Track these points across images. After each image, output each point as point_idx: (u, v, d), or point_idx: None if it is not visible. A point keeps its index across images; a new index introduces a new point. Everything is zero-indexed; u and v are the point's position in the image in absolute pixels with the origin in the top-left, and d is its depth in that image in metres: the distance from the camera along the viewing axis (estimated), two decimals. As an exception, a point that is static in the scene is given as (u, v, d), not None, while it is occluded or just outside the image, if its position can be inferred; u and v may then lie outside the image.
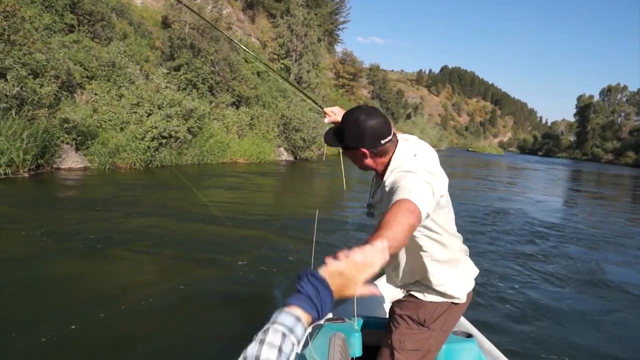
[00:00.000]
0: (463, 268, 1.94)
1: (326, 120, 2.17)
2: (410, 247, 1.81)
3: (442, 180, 1.71)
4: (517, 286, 5.95)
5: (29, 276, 4.73)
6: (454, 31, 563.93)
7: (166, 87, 15.85)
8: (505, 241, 8.60)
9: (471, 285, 1.96)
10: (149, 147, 13.88)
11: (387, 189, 1.70)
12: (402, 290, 1.98)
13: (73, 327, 3.70)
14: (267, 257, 6.13)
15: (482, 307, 5.04)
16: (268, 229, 7.89)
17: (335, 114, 2.16)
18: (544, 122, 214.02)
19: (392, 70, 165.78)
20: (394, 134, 1.80)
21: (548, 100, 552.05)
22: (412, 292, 1.92)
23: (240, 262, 5.71)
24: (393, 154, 1.76)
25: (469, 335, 2.32)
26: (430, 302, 1.88)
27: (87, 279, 4.87)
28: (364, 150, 1.74)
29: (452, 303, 1.89)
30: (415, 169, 1.64)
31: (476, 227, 9.65)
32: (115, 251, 5.77)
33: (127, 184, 11.38)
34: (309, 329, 2.30)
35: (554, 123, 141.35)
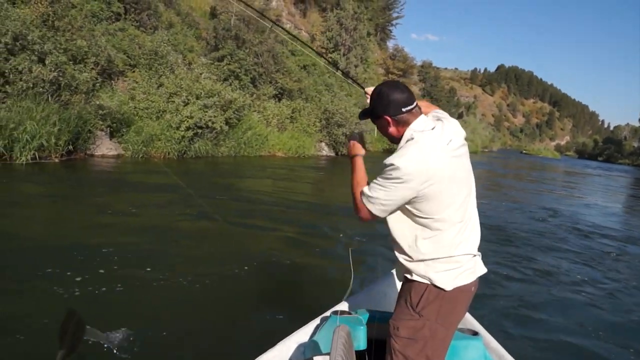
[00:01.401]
0: (456, 259, 1.90)
1: (368, 101, 2.19)
2: (397, 219, 1.93)
3: (437, 170, 1.79)
4: (552, 290, 5.76)
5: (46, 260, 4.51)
6: (513, 29, 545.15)
7: (205, 78, 15.63)
8: (548, 242, 8.40)
9: (464, 280, 1.91)
10: (183, 136, 13.71)
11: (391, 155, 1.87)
12: (402, 274, 2.01)
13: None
14: (294, 252, 5.84)
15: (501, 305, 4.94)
16: (298, 225, 7.59)
17: None
18: (605, 126, 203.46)
19: (446, 68, 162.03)
20: (418, 106, 1.95)
21: (611, 103, 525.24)
22: (405, 274, 1.96)
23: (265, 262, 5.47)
24: (410, 125, 1.91)
25: (475, 333, 2.33)
26: (417, 282, 1.90)
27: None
28: (387, 117, 1.93)
29: (436, 287, 1.87)
30: (410, 157, 1.79)
31: (524, 227, 9.61)
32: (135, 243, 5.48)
33: (156, 173, 11.25)
34: (318, 321, 2.52)
35: (616, 127, 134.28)
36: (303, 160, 19.13)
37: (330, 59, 34.90)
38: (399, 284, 2.09)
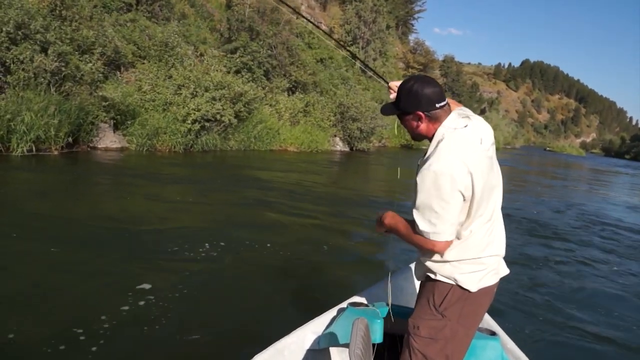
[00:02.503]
0: (483, 261, 1.87)
1: (392, 96, 2.12)
2: None
3: (475, 170, 1.73)
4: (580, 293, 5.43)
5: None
6: (539, 23, 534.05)
7: (215, 69, 15.27)
8: (572, 241, 8.12)
9: (489, 281, 1.89)
10: (190, 130, 13.38)
11: (423, 164, 1.78)
12: (423, 273, 1.96)
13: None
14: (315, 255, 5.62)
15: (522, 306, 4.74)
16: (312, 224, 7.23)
17: None
18: (634, 123, 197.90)
19: (469, 63, 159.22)
20: (449, 104, 1.89)
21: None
22: (428, 273, 1.92)
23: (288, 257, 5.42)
24: (443, 122, 1.83)
25: (493, 333, 2.30)
26: (441, 282, 1.86)
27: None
28: (420, 113, 1.83)
29: (461, 288, 1.84)
30: (450, 157, 1.71)
31: (550, 223, 9.40)
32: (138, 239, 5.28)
33: (159, 166, 10.97)
34: (334, 312, 2.49)
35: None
36: (316, 155, 18.68)
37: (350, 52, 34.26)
38: (415, 279, 2.06)
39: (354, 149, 22.96)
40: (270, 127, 17.50)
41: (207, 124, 14.02)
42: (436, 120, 1.83)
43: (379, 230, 2.06)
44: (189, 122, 13.34)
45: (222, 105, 14.27)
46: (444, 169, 1.68)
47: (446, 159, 1.70)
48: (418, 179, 1.76)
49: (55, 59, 10.74)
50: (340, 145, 22.53)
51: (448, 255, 1.83)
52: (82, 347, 3.02)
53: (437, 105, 1.81)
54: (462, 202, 1.72)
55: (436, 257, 1.85)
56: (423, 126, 1.85)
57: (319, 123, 20.85)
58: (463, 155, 1.72)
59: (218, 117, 14.18)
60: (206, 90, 14.15)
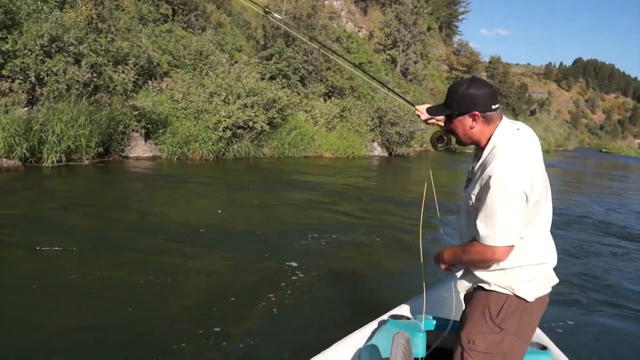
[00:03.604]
0: (538, 269, 1.80)
1: (422, 117, 2.13)
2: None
3: (535, 173, 1.69)
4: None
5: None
6: (591, 20, 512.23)
7: (247, 76, 15.20)
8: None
9: (543, 290, 1.83)
10: (221, 137, 13.32)
11: (483, 169, 1.73)
12: (472, 284, 1.89)
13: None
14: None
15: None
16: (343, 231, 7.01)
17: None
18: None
19: (517, 64, 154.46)
20: (501, 108, 1.83)
21: None
22: (480, 284, 1.85)
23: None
24: (498, 125, 1.78)
25: (544, 347, 2.21)
26: (497, 292, 1.79)
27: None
28: (476, 112, 1.76)
29: (518, 297, 1.77)
30: (514, 158, 1.66)
31: (608, 229, 9.13)
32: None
33: (197, 173, 11.01)
34: (375, 325, 2.43)
35: None
36: (354, 160, 18.33)
37: (388, 56, 33.73)
38: (459, 291, 2.02)
39: (393, 154, 22.42)
40: (304, 133, 17.28)
41: (238, 131, 13.93)
42: (490, 123, 1.77)
43: (441, 267, 2.01)
44: (221, 129, 13.28)
45: (254, 112, 14.16)
46: (508, 172, 1.63)
47: (509, 162, 1.65)
48: (478, 184, 1.72)
49: (88, 70, 10.91)
50: (378, 151, 22.05)
51: (504, 262, 1.75)
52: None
53: (493, 107, 1.76)
54: (524, 205, 1.66)
55: (491, 265, 1.78)
56: (477, 129, 1.79)
57: (356, 128, 20.47)
58: (524, 159, 1.68)
59: (250, 123, 14.07)
60: (238, 97, 14.09)
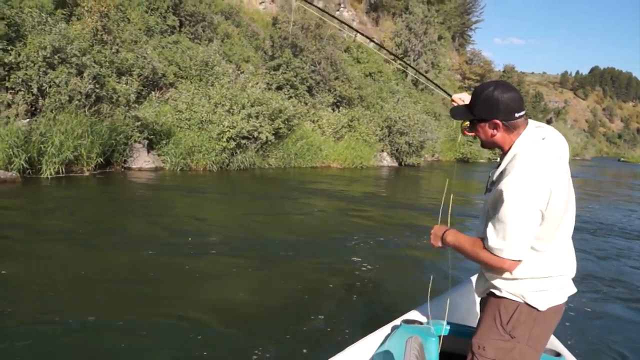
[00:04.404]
0: (553, 280, 1.76)
1: (456, 104, 2.07)
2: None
3: (555, 186, 1.63)
4: None
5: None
6: (608, 28, 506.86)
7: (252, 86, 15.12)
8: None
9: (558, 300, 1.78)
10: (225, 148, 13.21)
11: (501, 178, 1.70)
12: (485, 289, 1.86)
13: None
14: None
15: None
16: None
17: (464, 101, 2.06)
18: None
19: (532, 73, 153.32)
20: (527, 114, 1.77)
21: None
22: (492, 289, 1.82)
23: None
24: (521, 133, 1.73)
25: (558, 354, 2.19)
26: (507, 299, 1.76)
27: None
28: (497, 121, 1.71)
29: (530, 306, 1.73)
30: (531, 174, 1.61)
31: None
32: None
33: (202, 184, 10.92)
34: (388, 329, 2.43)
35: None
36: (362, 171, 18.07)
37: (402, 64, 33.53)
38: (473, 295, 1.97)
39: (403, 164, 22.12)
40: (311, 144, 17.10)
41: (243, 142, 13.81)
42: (513, 131, 1.72)
43: (436, 245, 1.97)
44: (224, 139, 13.17)
45: (259, 122, 14.04)
46: (523, 188, 1.60)
47: (526, 174, 1.61)
48: (493, 194, 1.69)
49: (90, 81, 10.90)
50: (387, 161, 21.77)
51: (517, 272, 1.72)
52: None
53: (517, 115, 1.70)
54: (539, 220, 1.63)
55: (504, 273, 1.75)
56: (499, 136, 1.74)
57: (365, 138, 20.24)
58: (543, 171, 1.62)
59: (255, 134, 13.94)
60: (242, 108, 14.00)
